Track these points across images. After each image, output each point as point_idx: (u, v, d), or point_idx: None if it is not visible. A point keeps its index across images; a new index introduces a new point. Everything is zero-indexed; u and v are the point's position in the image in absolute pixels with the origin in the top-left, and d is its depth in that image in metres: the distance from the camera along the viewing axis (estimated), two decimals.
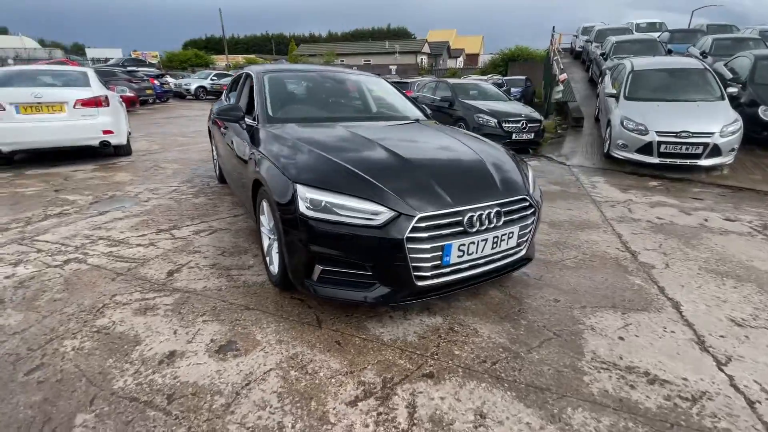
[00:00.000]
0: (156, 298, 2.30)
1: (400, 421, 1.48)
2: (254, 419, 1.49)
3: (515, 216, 2.13)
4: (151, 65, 23.56)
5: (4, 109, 4.86)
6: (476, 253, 1.99)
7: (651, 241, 3.33)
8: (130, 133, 8.35)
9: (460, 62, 44.37)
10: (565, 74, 9.79)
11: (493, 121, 7.30)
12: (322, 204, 1.86)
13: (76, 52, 32.89)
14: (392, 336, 1.99)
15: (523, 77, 17.11)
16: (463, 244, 1.93)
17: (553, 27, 15.21)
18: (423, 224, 1.84)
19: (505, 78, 17.72)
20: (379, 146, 2.28)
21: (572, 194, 4.78)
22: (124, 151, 6.32)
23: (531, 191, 2.29)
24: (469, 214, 1.93)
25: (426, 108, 3.76)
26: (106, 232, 3.25)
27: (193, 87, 19.13)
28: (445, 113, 8.28)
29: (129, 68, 17.79)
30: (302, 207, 1.87)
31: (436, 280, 1.94)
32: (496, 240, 2.04)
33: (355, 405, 1.56)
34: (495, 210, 2.01)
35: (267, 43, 69.41)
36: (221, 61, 34.09)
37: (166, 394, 1.60)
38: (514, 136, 7.33)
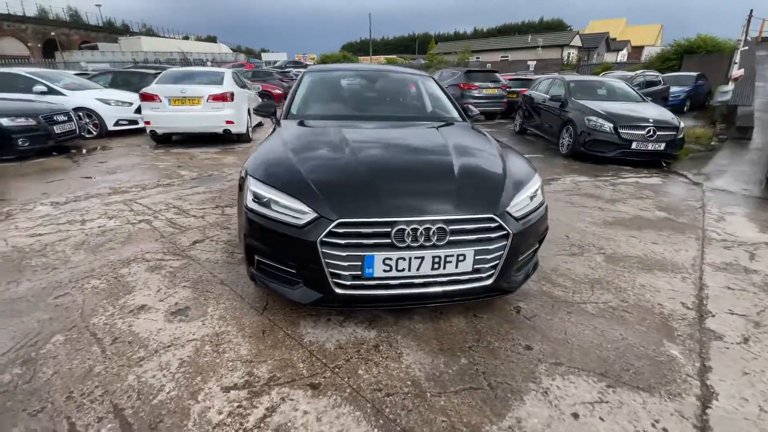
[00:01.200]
0: (170, 260, 2.77)
1: (249, 420, 1.48)
2: (149, 376, 1.70)
3: (470, 237, 1.83)
4: (306, 66, 27.28)
5: (161, 101, 6.41)
6: (409, 270, 1.79)
7: (748, 303, 2.38)
8: (260, 124, 9.92)
9: (622, 56, 37.82)
10: (741, 70, 7.48)
11: (607, 126, 6.12)
12: (264, 199, 1.93)
13: (258, 56, 40.55)
14: (314, 339, 1.96)
15: (695, 74, 13.60)
16: (390, 258, 1.76)
17: (750, 10, 11.70)
18: (341, 230, 1.75)
19: (669, 75, 14.38)
20: (350, 148, 2.22)
21: (676, 225, 3.71)
22: (244, 138, 7.55)
23: (509, 211, 1.92)
24: (400, 227, 1.74)
25: (472, 109, 3.44)
26: (181, 203, 4.02)
27: None
28: (555, 115, 7.31)
29: (286, 69, 20.95)
30: (248, 199, 1.99)
31: (358, 292, 1.82)
32: (437, 260, 1.79)
33: (228, 392, 1.62)
34: (437, 226, 1.77)
35: (412, 43, 72.25)
36: (365, 61, 37.16)
37: (114, 336, 1.95)
38: (634, 146, 6.01)
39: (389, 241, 1.75)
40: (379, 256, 1.75)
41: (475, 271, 1.88)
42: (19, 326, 2.03)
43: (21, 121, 5.74)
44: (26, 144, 5.76)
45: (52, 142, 6.17)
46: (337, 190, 1.87)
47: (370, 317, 2.13)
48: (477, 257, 1.85)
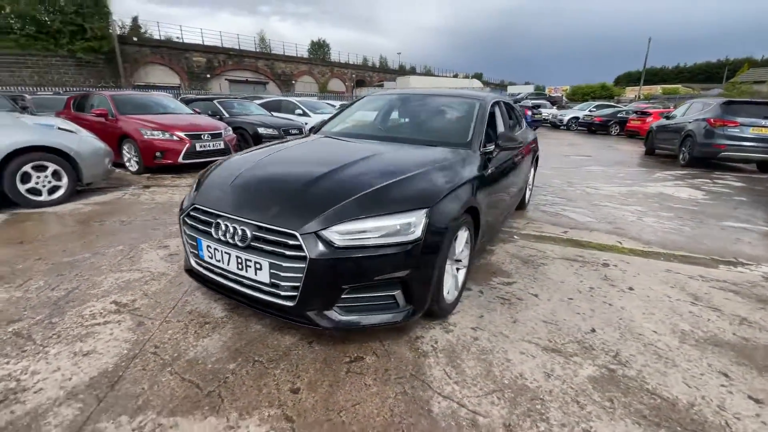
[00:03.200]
0: None
1: (90, 321, 2.12)
2: (108, 279, 2.62)
3: (266, 247, 1.80)
4: (550, 98, 26.06)
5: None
6: (222, 263, 1.96)
7: None
8: None
9: None
10: None
11: None
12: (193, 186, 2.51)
13: (504, 88, 41.67)
14: (191, 299, 2.40)
15: None
16: (210, 246, 1.99)
17: None
18: (193, 213, 2.12)
19: None
20: (268, 155, 2.51)
21: None
22: None
23: (324, 234, 1.74)
24: (219, 221, 1.95)
25: (516, 139, 2.84)
26: None
27: (566, 118, 19.53)
28: None
29: (520, 101, 20.83)
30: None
31: (198, 269, 2.14)
32: (240, 261, 1.88)
33: (112, 304, 2.31)
34: (242, 228, 1.86)
35: (719, 69, 54.64)
36: (632, 92, 31.04)
37: (131, 256, 3.04)
38: None
39: (211, 231, 1.99)
40: (204, 242, 2.02)
41: (273, 285, 1.82)
42: (120, 238, 3.46)
43: (269, 131, 8.66)
44: None
45: None
46: (211, 185, 2.24)
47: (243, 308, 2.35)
48: (272, 271, 1.80)
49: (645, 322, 2.38)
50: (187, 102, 9.62)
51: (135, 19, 28.12)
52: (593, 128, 17.99)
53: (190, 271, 2.26)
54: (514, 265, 3.14)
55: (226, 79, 31.32)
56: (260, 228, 1.84)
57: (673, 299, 2.68)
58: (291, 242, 1.76)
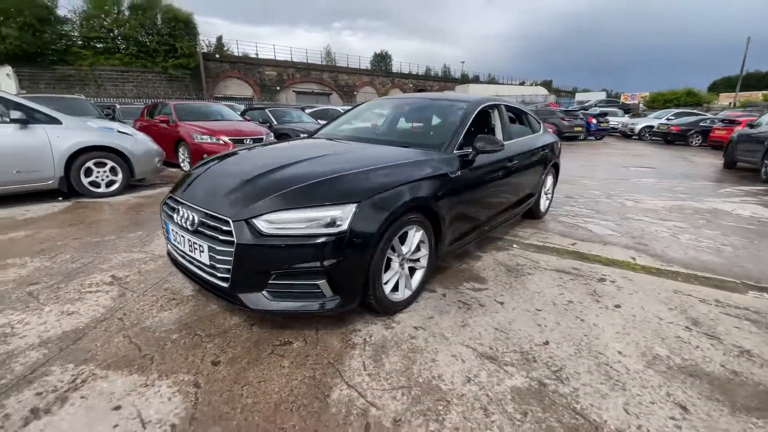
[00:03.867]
0: None
1: (87, 289, 2.49)
2: (117, 257, 3.04)
3: (207, 232, 2.00)
4: (623, 106, 23.92)
5: None
6: (181, 246, 2.20)
7: None
8: None
9: None
10: None
11: None
12: None
13: (573, 96, 38.92)
14: (173, 279, 2.69)
15: None
16: (173, 230, 2.25)
17: None
18: (168, 201, 2.40)
19: None
20: (244, 154, 2.77)
21: None
22: None
23: (254, 222, 1.89)
24: (179, 207, 2.20)
25: (496, 143, 2.76)
26: None
27: (638, 127, 17.78)
28: None
29: (586, 108, 19.46)
30: None
31: (170, 250, 2.41)
32: (191, 245, 2.11)
33: (110, 277, 2.69)
34: (194, 215, 2.09)
35: None
36: (727, 98, 26.93)
37: (146, 241, 3.48)
38: None
39: (174, 216, 2.24)
40: (170, 226, 2.28)
41: (212, 267, 2.01)
42: (145, 225, 3.96)
43: None
44: None
45: None
46: (186, 178, 2.50)
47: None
48: (211, 254, 1.99)
49: (614, 342, 2.17)
50: (246, 111, 10.58)
51: (219, 39, 31.44)
52: (669, 138, 16.15)
53: (169, 254, 2.56)
54: (494, 273, 3.02)
55: (293, 91, 33.52)
56: (206, 215, 2.05)
57: (664, 321, 2.40)
58: (224, 228, 1.93)
